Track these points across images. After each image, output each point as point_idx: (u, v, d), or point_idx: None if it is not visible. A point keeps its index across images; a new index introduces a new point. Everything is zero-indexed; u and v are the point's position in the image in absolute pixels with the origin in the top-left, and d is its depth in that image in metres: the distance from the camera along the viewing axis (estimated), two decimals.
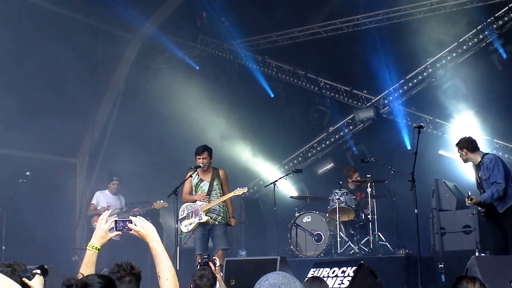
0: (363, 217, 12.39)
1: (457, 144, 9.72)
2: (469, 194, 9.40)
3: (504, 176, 9.22)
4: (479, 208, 9.93)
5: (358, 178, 13.03)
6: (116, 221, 4.26)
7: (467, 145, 9.58)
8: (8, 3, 13.21)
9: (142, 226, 4.17)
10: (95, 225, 11.82)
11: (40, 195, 13.80)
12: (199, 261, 7.36)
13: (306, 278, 6.51)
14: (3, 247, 11.44)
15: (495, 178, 9.22)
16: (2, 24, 12.96)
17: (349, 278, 8.13)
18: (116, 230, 4.27)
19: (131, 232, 4.20)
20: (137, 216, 4.29)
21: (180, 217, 10.65)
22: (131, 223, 4.22)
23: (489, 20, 13.91)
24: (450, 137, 14.32)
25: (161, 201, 12.37)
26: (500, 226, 9.44)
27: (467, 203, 9.47)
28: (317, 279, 6.26)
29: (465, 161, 9.75)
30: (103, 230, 4.29)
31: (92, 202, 12.94)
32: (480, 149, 9.77)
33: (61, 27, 14.32)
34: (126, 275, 4.37)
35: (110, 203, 12.78)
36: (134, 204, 13.92)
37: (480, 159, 9.52)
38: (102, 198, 12.90)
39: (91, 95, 16.17)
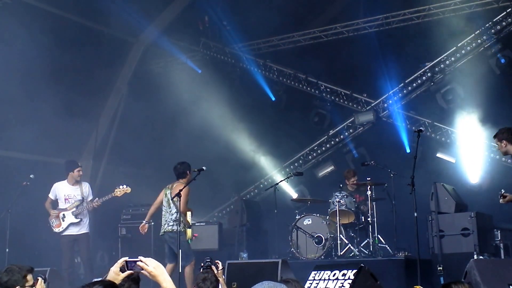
0: (363, 220, 12.49)
1: (495, 136, 9.21)
2: (503, 191, 8.91)
3: None
4: None
5: (355, 182, 13.19)
6: (126, 261, 4.22)
7: (507, 135, 9.04)
8: (14, 7, 13.34)
9: (154, 267, 4.11)
10: (52, 222, 11.46)
11: (43, 197, 13.90)
12: (202, 264, 7.45)
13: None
14: (7, 250, 11.46)
15: None
16: (7, 28, 13.09)
17: (350, 281, 8.26)
18: (128, 270, 4.23)
19: (142, 271, 4.13)
20: (148, 258, 4.17)
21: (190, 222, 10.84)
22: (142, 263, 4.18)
23: (487, 25, 14.03)
24: (448, 141, 14.46)
25: (123, 186, 11.51)
26: None
27: (500, 201, 8.98)
28: (293, 281, 6.41)
29: (505, 153, 9.30)
30: (113, 272, 4.26)
31: (49, 195, 11.86)
32: None
33: (65, 31, 14.43)
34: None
35: (68, 194, 11.76)
36: (138, 206, 14.06)
37: None
38: (60, 190, 11.83)
39: (94, 98, 16.28)
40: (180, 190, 10.29)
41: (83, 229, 11.69)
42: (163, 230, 10.79)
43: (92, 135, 16.88)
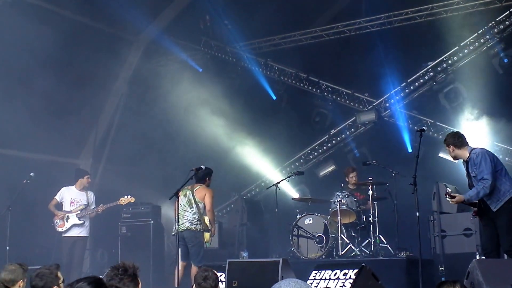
0: (364, 220, 12.44)
1: (444, 141, 9.10)
2: (449, 190, 8.86)
3: (491, 171, 8.50)
4: (472, 212, 9.11)
5: (355, 178, 13.25)
6: None
7: (453, 140, 8.89)
8: (14, 5, 13.29)
9: None
10: (57, 222, 11.95)
11: (43, 196, 13.88)
12: None
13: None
14: (7, 247, 11.48)
15: (481, 174, 8.52)
16: (7, 27, 13.04)
17: (351, 281, 8.21)
18: None
19: None
20: None
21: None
22: None
23: (490, 24, 13.96)
24: None
25: (128, 196, 12.26)
26: (492, 225, 8.73)
27: (449, 200, 8.90)
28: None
29: (454, 158, 9.07)
30: None
31: (55, 197, 12.57)
32: (469, 144, 8.97)
33: (65, 29, 14.36)
34: (125, 277, 4.45)
35: (74, 198, 12.49)
36: (137, 205, 14.00)
37: (468, 155, 8.81)
38: (67, 194, 12.53)
39: (94, 97, 16.23)
40: (178, 190, 10.31)
41: (84, 232, 12.37)
42: (183, 227, 10.66)
43: (92, 134, 16.86)
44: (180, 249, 10.83)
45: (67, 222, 12.26)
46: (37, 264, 7.25)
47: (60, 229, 12.26)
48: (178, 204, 10.64)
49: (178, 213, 10.47)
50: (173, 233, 11.11)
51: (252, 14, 15.09)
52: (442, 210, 11.52)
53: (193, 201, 10.74)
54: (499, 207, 8.61)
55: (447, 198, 8.90)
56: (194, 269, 10.61)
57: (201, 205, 10.77)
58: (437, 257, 11.13)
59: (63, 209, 12.42)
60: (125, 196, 12.25)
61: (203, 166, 10.60)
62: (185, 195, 10.87)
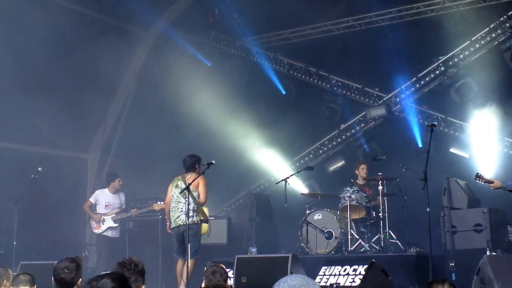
0: (374, 215, 12.37)
1: None
2: (479, 173, 9.08)
3: None
4: None
5: (365, 170, 13.19)
6: None
7: None
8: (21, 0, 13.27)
9: None
10: (93, 224, 12.54)
11: (51, 190, 13.87)
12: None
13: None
14: (14, 242, 11.49)
15: None
16: (15, 21, 13.02)
17: (361, 277, 8.14)
18: None
19: None
20: None
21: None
22: None
23: (501, 18, 13.83)
24: (462, 136, 14.28)
25: (161, 202, 12.46)
26: None
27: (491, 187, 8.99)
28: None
29: None
30: None
31: (89, 199, 13.23)
32: None
33: (74, 23, 14.33)
34: (131, 275, 4.38)
35: (109, 202, 13.14)
36: (145, 200, 13.95)
37: None
38: (102, 197, 13.16)
39: (103, 91, 16.19)
40: (189, 184, 10.22)
41: (118, 233, 13.26)
42: (179, 221, 10.54)
43: (100, 128, 16.83)
44: (176, 245, 10.73)
45: (103, 224, 12.99)
46: (42, 259, 7.22)
47: (96, 231, 13.09)
48: (176, 196, 10.56)
49: (188, 206, 10.30)
50: (170, 230, 10.89)
51: (262, 8, 14.99)
52: (453, 206, 11.44)
53: (186, 191, 10.38)
54: None
55: (477, 179, 9.05)
56: (189, 262, 10.41)
57: (195, 194, 10.54)
58: (448, 253, 11.04)
59: (97, 212, 13.09)
60: (159, 202, 12.60)
61: (213, 161, 10.47)
62: (176, 186, 10.77)
